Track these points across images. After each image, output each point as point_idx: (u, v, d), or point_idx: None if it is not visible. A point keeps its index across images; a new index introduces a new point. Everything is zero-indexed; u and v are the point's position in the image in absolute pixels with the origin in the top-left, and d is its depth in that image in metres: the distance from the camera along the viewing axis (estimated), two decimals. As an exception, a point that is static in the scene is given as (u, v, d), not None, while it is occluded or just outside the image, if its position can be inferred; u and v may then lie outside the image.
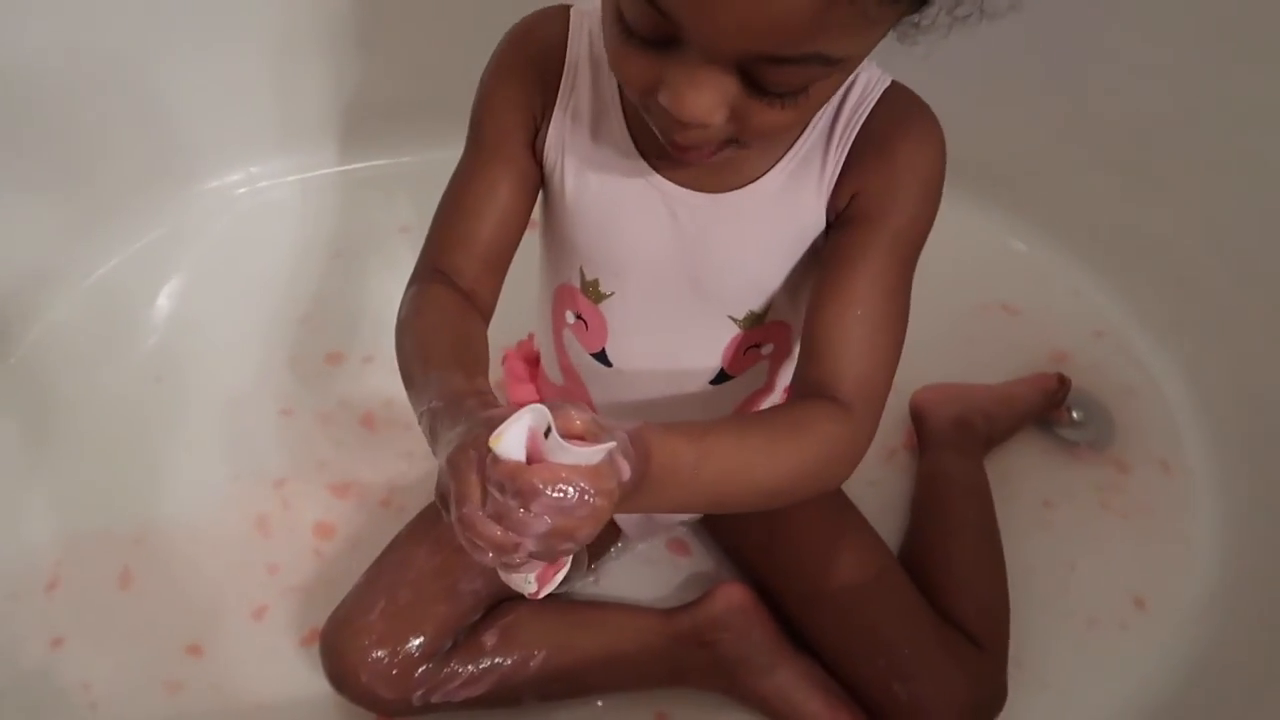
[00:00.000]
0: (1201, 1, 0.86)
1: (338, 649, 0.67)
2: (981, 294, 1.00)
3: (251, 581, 0.80)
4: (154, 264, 0.99)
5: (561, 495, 0.37)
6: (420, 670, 0.67)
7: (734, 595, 0.74)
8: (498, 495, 0.38)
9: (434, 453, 0.44)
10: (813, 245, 0.58)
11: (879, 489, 0.85)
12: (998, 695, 0.70)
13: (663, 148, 0.50)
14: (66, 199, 0.94)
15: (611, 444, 0.39)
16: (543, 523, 0.38)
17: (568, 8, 0.57)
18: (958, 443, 0.85)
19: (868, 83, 0.54)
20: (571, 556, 0.43)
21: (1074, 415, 0.92)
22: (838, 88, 0.48)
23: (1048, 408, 0.90)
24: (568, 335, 0.66)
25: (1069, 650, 0.79)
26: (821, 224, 0.57)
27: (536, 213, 0.62)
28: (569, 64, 0.56)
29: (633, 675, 0.73)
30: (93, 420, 0.88)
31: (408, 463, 0.87)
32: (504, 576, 0.43)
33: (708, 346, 0.63)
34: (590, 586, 0.80)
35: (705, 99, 0.43)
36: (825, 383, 0.53)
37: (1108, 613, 0.81)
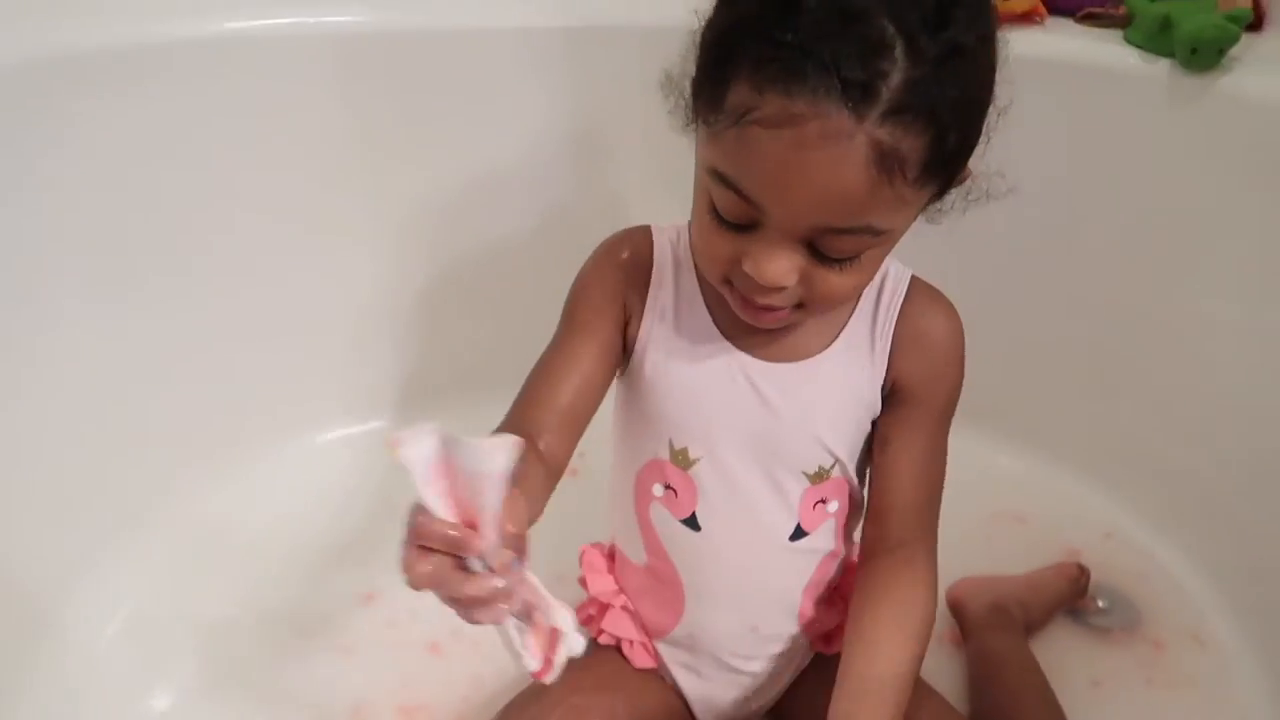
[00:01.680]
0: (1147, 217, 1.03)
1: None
2: (988, 506, 1.09)
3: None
4: (223, 518, 1.04)
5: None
6: None
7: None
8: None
9: None
10: (869, 415, 0.69)
11: (931, 678, 0.87)
12: None
13: (742, 328, 0.64)
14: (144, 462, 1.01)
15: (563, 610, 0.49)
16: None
17: (648, 226, 0.70)
18: (1000, 625, 0.90)
19: (896, 275, 0.68)
20: (565, 635, 0.49)
21: (1099, 604, 0.98)
22: (883, 257, 0.60)
23: (1073, 595, 0.96)
24: (655, 508, 0.72)
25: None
26: (877, 403, 0.68)
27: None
28: (657, 266, 0.68)
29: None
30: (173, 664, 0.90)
31: (475, 685, 0.88)
32: (512, 652, 0.48)
33: (784, 501, 0.70)
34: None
35: (781, 265, 0.55)
36: (896, 539, 0.69)
37: (1183, 783, 0.83)
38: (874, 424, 0.70)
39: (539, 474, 0.61)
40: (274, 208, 1.03)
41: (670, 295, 0.67)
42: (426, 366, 1.17)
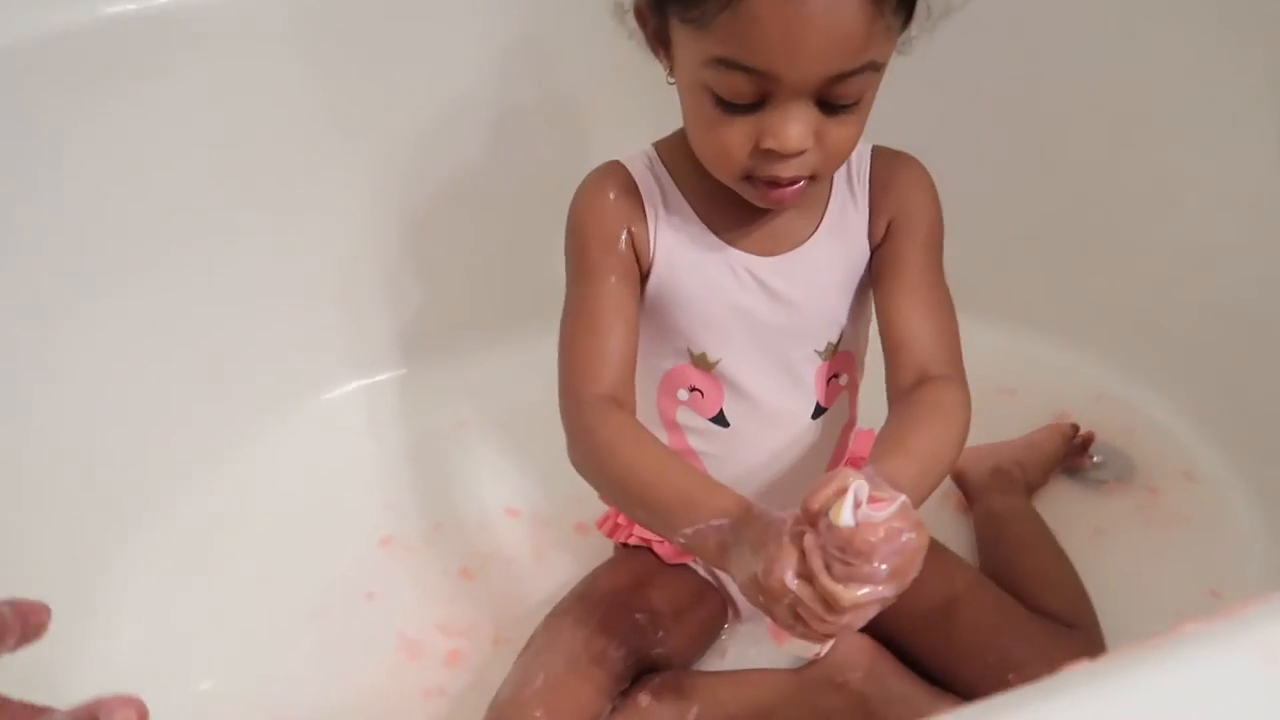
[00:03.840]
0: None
1: (507, 728, 0.70)
2: (978, 383, 1.11)
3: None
4: (240, 486, 1.06)
5: (893, 541, 0.48)
6: (588, 736, 0.70)
7: (855, 640, 0.78)
8: (839, 560, 0.48)
9: (718, 563, 0.56)
10: (863, 276, 0.72)
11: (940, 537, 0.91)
12: None
13: (736, 231, 0.67)
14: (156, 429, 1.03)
15: (902, 497, 0.50)
16: (883, 571, 0.48)
17: (617, 161, 0.71)
18: (1000, 487, 0.94)
19: (859, 150, 0.71)
20: None
21: (1094, 459, 1.02)
22: (872, 101, 0.62)
23: (1069, 453, 1.00)
24: (683, 412, 0.75)
25: (1165, 639, 0.84)
26: (867, 253, 0.71)
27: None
28: (644, 193, 0.69)
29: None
30: (208, 621, 0.93)
31: (511, 601, 0.92)
32: (792, 649, 0.53)
33: (803, 383, 0.73)
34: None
35: (800, 127, 0.57)
36: (923, 369, 0.66)
37: (1190, 606, 0.86)
38: (868, 277, 0.72)
39: (648, 430, 0.64)
40: (242, 173, 1.03)
41: (665, 216, 0.69)
42: (423, 310, 1.19)
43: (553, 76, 1.11)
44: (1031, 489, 0.97)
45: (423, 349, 1.18)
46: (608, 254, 0.68)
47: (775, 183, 0.61)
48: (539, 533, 0.99)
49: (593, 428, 0.64)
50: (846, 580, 0.48)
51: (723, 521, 0.55)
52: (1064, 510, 0.96)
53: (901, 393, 0.67)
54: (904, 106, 0.69)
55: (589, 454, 0.65)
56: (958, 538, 0.93)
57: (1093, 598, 0.83)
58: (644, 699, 0.73)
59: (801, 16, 0.53)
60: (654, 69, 0.65)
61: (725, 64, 0.56)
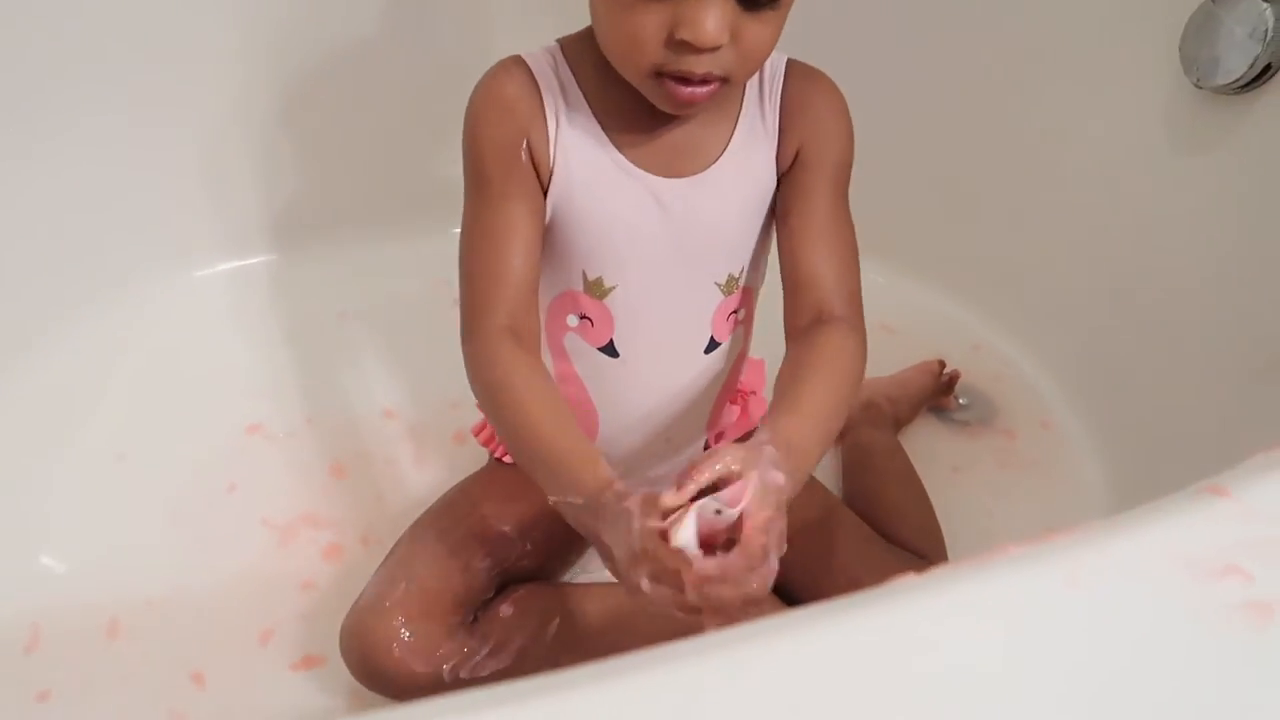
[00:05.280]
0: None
1: (366, 632, 0.69)
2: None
3: (251, 612, 0.82)
4: (102, 355, 1.01)
5: (725, 581, 0.49)
6: (446, 645, 0.70)
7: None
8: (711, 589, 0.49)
9: (585, 533, 0.56)
10: (770, 204, 0.69)
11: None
12: None
13: (642, 147, 0.63)
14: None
15: (751, 477, 0.51)
16: (759, 575, 0.50)
17: (519, 55, 0.65)
18: (870, 420, 0.97)
19: (773, 61, 0.68)
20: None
21: (960, 401, 1.07)
22: (790, 5, 0.59)
23: (936, 391, 1.04)
24: (570, 339, 0.72)
25: (1004, 574, 0.90)
26: (773, 182, 0.68)
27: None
28: (544, 94, 0.64)
29: (645, 633, 0.77)
30: (60, 497, 0.89)
31: (382, 504, 0.91)
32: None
33: (699, 317, 0.71)
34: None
35: (717, 19, 0.54)
36: (824, 309, 0.66)
37: (1028, 543, 0.93)
38: (773, 209, 0.70)
39: (557, 391, 0.64)
40: (110, 41, 0.97)
41: (567, 124, 0.64)
42: (306, 192, 1.14)
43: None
44: (899, 424, 1.01)
45: (307, 233, 1.14)
46: (506, 169, 0.64)
47: (686, 79, 0.57)
48: (415, 436, 0.97)
49: (487, 363, 0.62)
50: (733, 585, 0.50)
51: (578, 500, 0.55)
52: (927, 447, 1.00)
53: (800, 331, 0.67)
54: (819, 25, 0.68)
55: (481, 388, 0.63)
56: (825, 465, 0.96)
57: (946, 531, 0.88)
58: (506, 609, 0.73)
59: None
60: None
61: None
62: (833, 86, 0.69)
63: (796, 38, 0.64)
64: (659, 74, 0.58)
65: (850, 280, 0.67)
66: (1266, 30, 0.83)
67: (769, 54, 0.60)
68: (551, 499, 0.58)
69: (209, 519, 0.89)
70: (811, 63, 0.69)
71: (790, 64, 0.69)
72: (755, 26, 0.56)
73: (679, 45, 0.55)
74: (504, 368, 0.62)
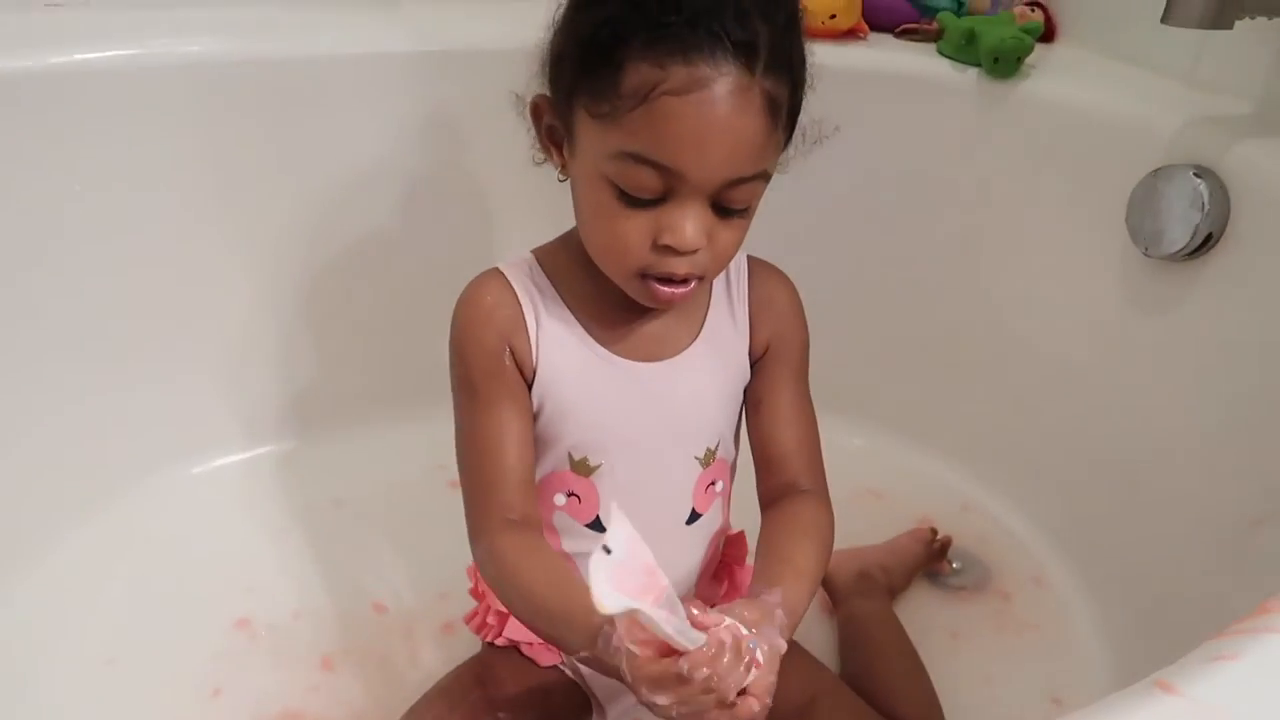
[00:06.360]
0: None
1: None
2: (846, 485, 1.15)
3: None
4: (100, 556, 1.02)
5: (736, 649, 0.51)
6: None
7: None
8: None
9: (611, 675, 0.56)
10: (742, 385, 0.75)
11: (805, 643, 0.93)
12: None
13: (618, 339, 0.69)
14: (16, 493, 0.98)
15: (763, 639, 0.54)
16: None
17: (496, 269, 0.71)
18: (864, 590, 0.97)
19: (736, 259, 0.73)
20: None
21: (954, 565, 1.07)
22: (755, 211, 0.65)
23: (929, 557, 1.04)
24: (559, 517, 0.74)
25: (1008, 748, 0.88)
26: (748, 372, 0.75)
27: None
28: (524, 302, 0.69)
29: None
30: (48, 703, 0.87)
31: (372, 698, 0.89)
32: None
33: (681, 490, 0.75)
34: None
35: (696, 225, 0.60)
36: (792, 481, 0.73)
37: (1032, 712, 0.91)
38: (745, 394, 0.76)
39: (560, 560, 0.68)
40: (135, 238, 1.03)
41: (546, 324, 0.70)
42: (308, 385, 1.18)
43: (459, 153, 1.13)
44: (894, 593, 1.00)
45: (306, 424, 1.17)
46: (492, 376, 0.69)
47: (669, 279, 0.63)
48: (406, 629, 0.97)
49: (495, 560, 0.66)
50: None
51: (587, 653, 0.57)
52: (923, 614, 1.00)
53: (772, 500, 0.73)
54: (783, 218, 0.74)
55: (492, 584, 0.67)
56: (821, 640, 0.95)
57: (946, 700, 0.86)
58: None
59: (711, 117, 0.56)
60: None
61: (634, 158, 0.58)
62: (788, 282, 0.76)
63: (786, 214, 0.71)
64: (643, 275, 0.63)
65: (817, 456, 0.75)
66: (1204, 202, 0.88)
67: (736, 253, 0.66)
68: (581, 660, 0.61)
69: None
70: (799, 242, 0.75)
71: (751, 261, 0.75)
72: (726, 231, 0.62)
73: (663, 249, 0.61)
74: (510, 560, 0.66)
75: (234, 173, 1.05)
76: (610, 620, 0.54)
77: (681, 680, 0.50)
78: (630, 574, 0.48)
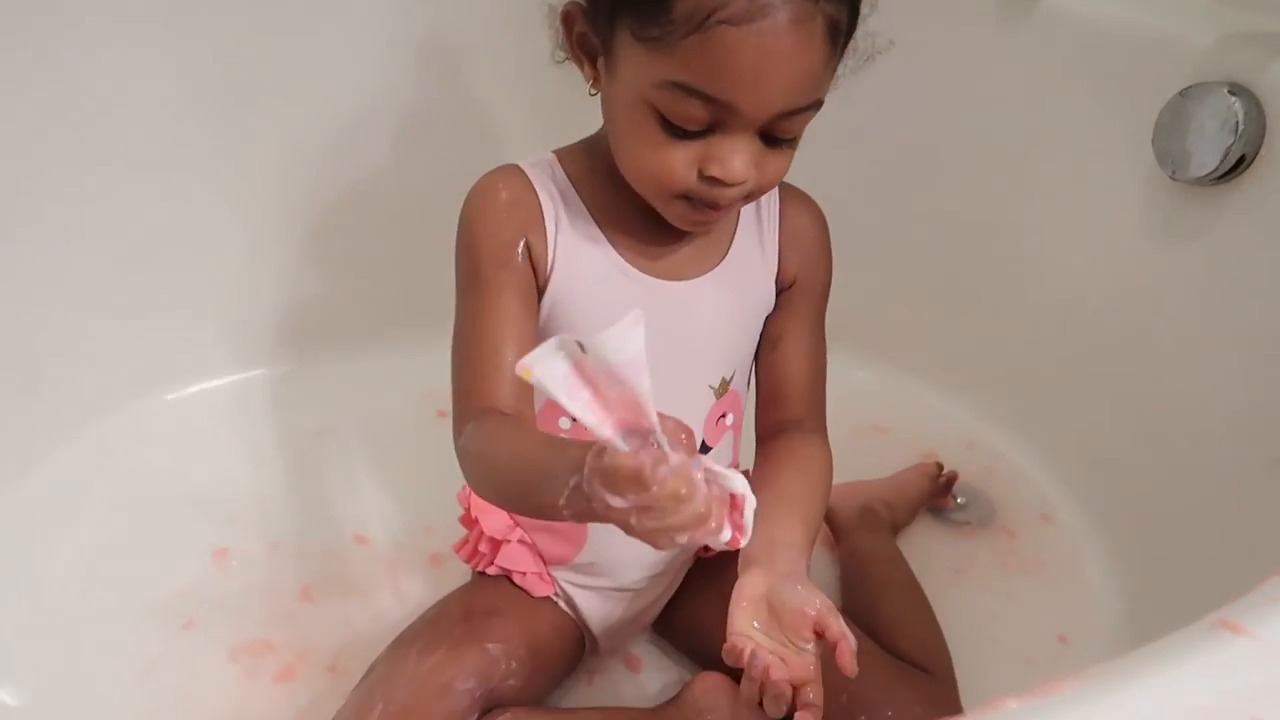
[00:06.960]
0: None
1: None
2: (850, 420, 1.12)
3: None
4: (74, 484, 0.99)
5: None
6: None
7: (711, 681, 0.76)
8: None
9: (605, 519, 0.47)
10: (764, 315, 0.72)
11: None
12: (954, 713, 0.75)
13: (642, 252, 0.66)
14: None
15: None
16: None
17: (516, 165, 0.66)
18: (867, 525, 0.94)
19: None
20: (746, 496, 0.46)
21: (959, 501, 1.04)
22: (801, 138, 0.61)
23: (934, 492, 1.01)
24: None
25: (1012, 684, 0.85)
26: (773, 302, 0.72)
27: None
28: (544, 201, 0.65)
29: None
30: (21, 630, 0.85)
31: (352, 630, 0.86)
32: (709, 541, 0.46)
33: (692, 419, 0.71)
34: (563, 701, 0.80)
35: (744, 159, 0.57)
36: (793, 415, 0.72)
37: (1038, 650, 0.88)
38: (765, 322, 0.73)
39: (546, 434, 0.60)
40: (120, 161, 0.99)
41: (567, 228, 0.66)
42: (300, 310, 1.14)
43: (460, 79, 1.09)
44: (897, 528, 0.97)
45: (294, 351, 1.14)
46: (501, 266, 0.64)
47: (714, 205, 0.59)
48: (390, 561, 0.94)
49: (483, 431, 0.59)
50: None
51: (574, 480, 0.48)
52: (927, 550, 0.97)
53: (771, 434, 0.72)
54: (805, 146, 0.69)
55: (470, 465, 0.60)
56: (823, 574, 0.92)
57: (949, 637, 0.84)
58: (490, 735, 0.69)
59: (772, 50, 0.52)
60: (564, 76, 0.62)
61: (683, 89, 0.54)
62: (820, 215, 0.73)
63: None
64: (683, 197, 0.60)
65: (822, 395, 0.74)
66: (1237, 123, 0.83)
67: (779, 180, 0.63)
68: (562, 508, 0.49)
69: (169, 656, 0.85)
70: (807, 165, 0.69)
71: (783, 189, 0.71)
72: (774, 160, 0.59)
73: (709, 180, 0.57)
74: (495, 431, 0.59)
75: (223, 93, 1.01)
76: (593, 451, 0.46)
77: (640, 480, 0.42)
78: (614, 396, 0.42)
